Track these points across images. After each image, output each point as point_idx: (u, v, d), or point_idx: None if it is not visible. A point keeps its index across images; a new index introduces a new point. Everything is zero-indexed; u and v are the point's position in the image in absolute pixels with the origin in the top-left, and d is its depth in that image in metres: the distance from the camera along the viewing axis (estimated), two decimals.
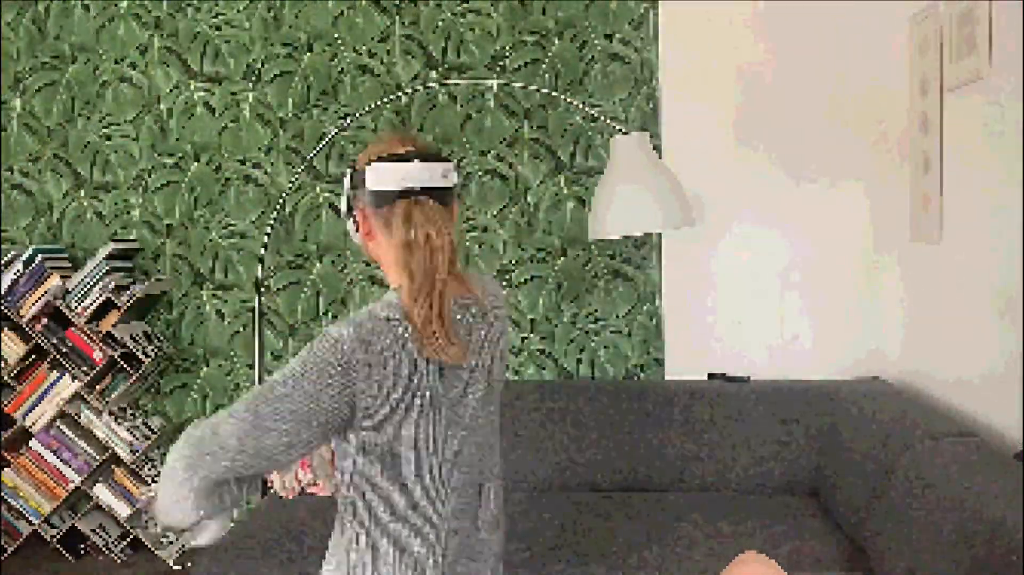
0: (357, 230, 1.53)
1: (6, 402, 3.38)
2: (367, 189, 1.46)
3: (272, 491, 3.08)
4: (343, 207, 1.55)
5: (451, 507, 1.46)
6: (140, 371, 3.36)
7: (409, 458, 1.41)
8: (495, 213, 3.41)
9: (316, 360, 1.34)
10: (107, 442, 3.38)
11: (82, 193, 3.57)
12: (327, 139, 3.02)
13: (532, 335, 3.43)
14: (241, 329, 3.55)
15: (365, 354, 1.34)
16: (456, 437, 1.46)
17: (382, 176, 1.45)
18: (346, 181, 1.53)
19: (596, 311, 3.39)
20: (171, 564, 3.42)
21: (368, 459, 1.41)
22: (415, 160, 1.45)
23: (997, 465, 1.97)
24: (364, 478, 1.43)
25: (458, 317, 1.47)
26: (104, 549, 3.45)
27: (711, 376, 3.22)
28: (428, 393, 1.40)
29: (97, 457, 3.41)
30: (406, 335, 1.38)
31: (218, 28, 3.47)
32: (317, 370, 1.33)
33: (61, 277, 3.35)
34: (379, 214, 1.46)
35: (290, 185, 3.06)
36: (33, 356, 3.44)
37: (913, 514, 2.03)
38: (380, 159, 1.47)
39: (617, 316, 3.38)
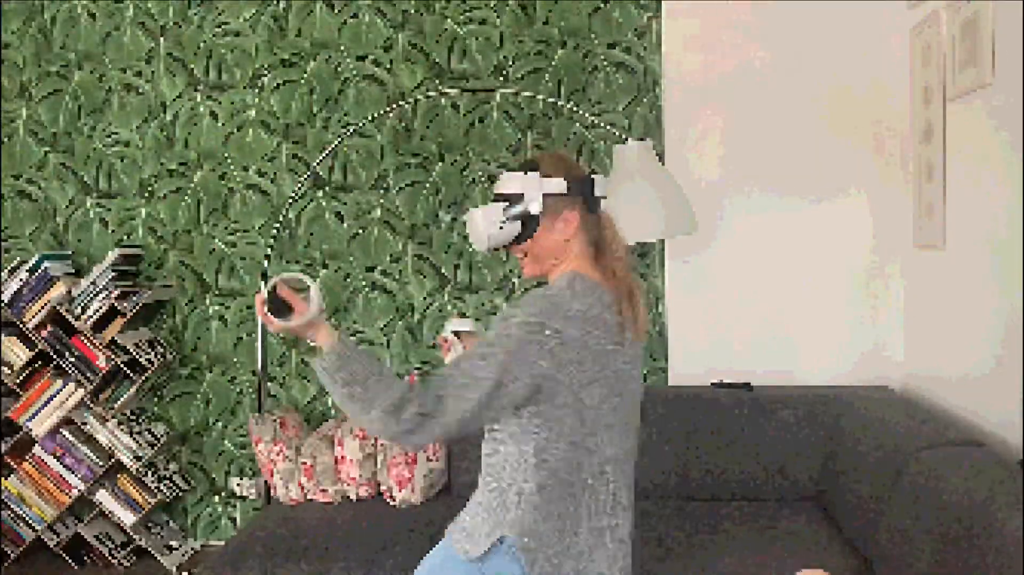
0: (523, 233, 1.72)
1: (10, 408, 3.39)
2: (592, 194, 1.74)
3: (276, 498, 3.08)
4: (534, 208, 1.71)
5: None
6: (144, 378, 3.37)
7: None
8: None
9: None
10: (111, 449, 3.39)
11: (87, 200, 3.59)
12: (331, 147, 3.03)
13: None
14: (245, 336, 3.56)
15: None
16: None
17: (601, 186, 1.75)
18: (550, 184, 1.71)
19: None
20: (174, 571, 3.42)
21: None
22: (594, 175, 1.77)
23: (1002, 473, 1.97)
24: None
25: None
26: (107, 556, 3.45)
27: (715, 384, 3.22)
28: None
29: (101, 464, 3.41)
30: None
31: (223, 37, 3.49)
32: None
33: (66, 284, 3.36)
34: (590, 219, 1.74)
35: (294, 193, 3.07)
36: (38, 363, 3.45)
37: (919, 522, 2.03)
38: (586, 174, 1.75)
39: None
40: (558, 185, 1.71)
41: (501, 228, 1.71)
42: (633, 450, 1.77)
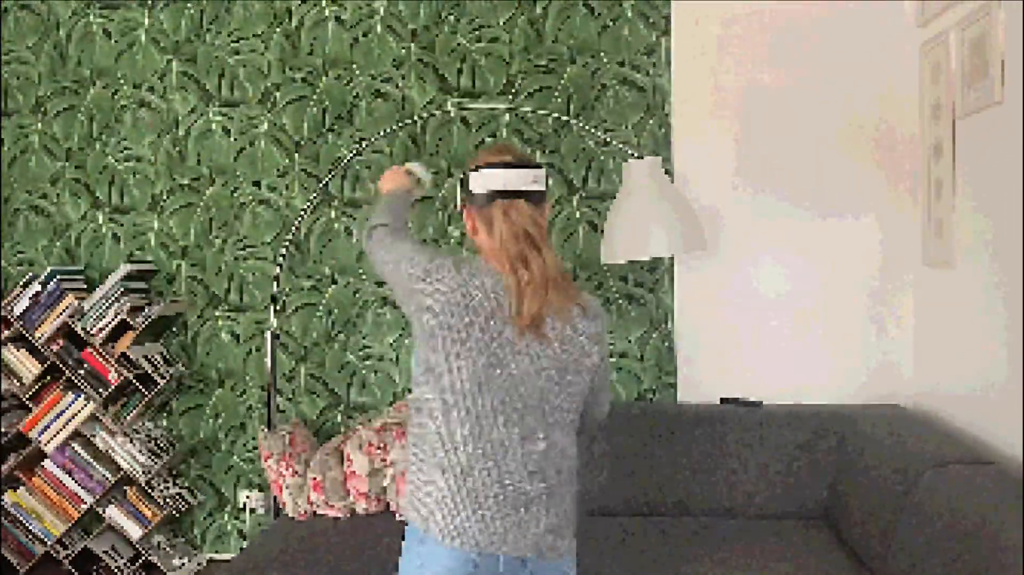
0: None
1: (21, 422, 3.40)
2: (471, 192, 1.81)
3: (284, 513, 3.08)
4: (458, 208, 1.87)
5: None
6: (154, 392, 3.38)
7: None
8: None
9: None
10: (120, 463, 3.40)
11: (99, 215, 3.61)
12: (342, 163, 3.05)
13: None
14: (254, 351, 3.57)
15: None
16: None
17: (483, 181, 1.79)
18: (459, 186, 1.88)
19: (609, 334, 3.40)
20: None
21: None
22: (510, 168, 1.79)
23: (1012, 492, 1.96)
24: None
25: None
26: (116, 570, 3.45)
27: (723, 400, 3.22)
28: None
29: (110, 478, 3.42)
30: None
31: (236, 53, 3.52)
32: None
33: (77, 298, 3.38)
34: (482, 213, 1.80)
35: (305, 208, 3.09)
36: (48, 377, 3.47)
37: (928, 541, 2.02)
38: (481, 167, 1.81)
39: (629, 340, 3.39)
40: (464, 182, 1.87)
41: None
42: (519, 439, 1.73)
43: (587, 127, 3.01)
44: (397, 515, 3.01)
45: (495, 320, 1.71)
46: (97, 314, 3.36)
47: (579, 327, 1.78)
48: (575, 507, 1.80)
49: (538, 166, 1.83)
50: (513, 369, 1.71)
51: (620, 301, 3.38)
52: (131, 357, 3.36)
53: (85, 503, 3.40)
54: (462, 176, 1.86)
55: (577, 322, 1.78)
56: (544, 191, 1.83)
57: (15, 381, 3.40)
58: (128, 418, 3.39)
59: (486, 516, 1.67)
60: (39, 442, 3.40)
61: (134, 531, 3.41)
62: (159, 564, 3.44)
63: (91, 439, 3.43)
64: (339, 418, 3.54)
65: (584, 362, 1.79)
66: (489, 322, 1.71)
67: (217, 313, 3.58)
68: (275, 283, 3.20)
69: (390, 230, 1.96)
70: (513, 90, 3.41)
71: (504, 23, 3.40)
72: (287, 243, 3.13)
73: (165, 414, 3.64)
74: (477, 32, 3.41)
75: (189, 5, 3.53)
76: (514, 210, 1.77)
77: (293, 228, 3.13)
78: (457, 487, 1.68)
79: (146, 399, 3.38)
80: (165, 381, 3.39)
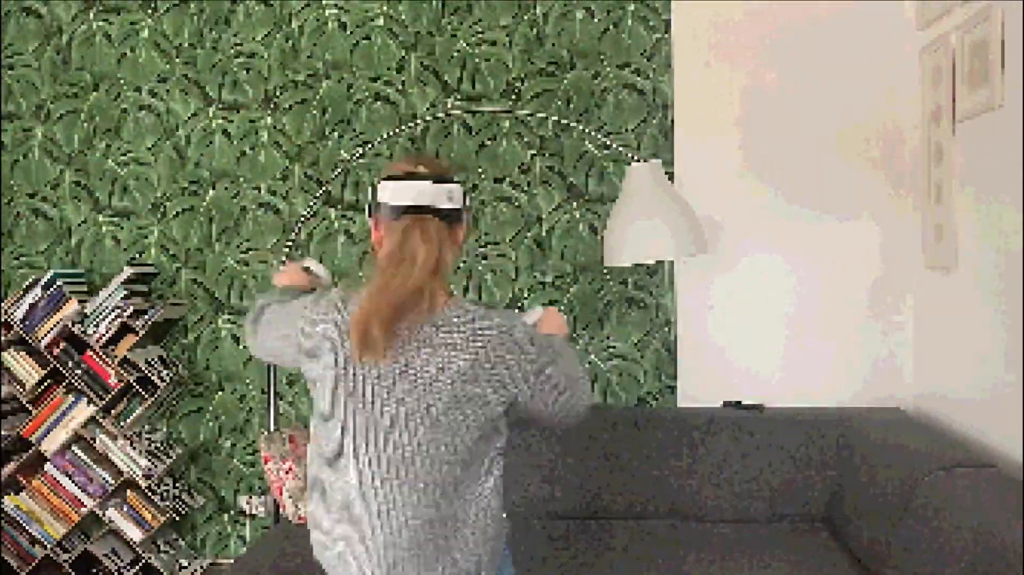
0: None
1: (22, 426, 3.41)
2: (379, 202, 1.66)
3: (284, 516, 3.08)
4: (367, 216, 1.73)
5: None
6: (155, 396, 3.38)
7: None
8: (509, 240, 3.43)
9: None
10: (121, 466, 3.40)
11: (101, 218, 3.62)
12: (343, 167, 3.05)
13: None
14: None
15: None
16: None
17: (393, 192, 1.64)
18: (370, 193, 1.71)
19: (609, 338, 3.40)
20: None
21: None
22: (422, 180, 1.64)
23: (1014, 495, 1.96)
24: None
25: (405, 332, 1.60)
26: (116, 574, 3.44)
27: (725, 404, 3.21)
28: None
29: (111, 481, 3.42)
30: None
31: (237, 57, 3.53)
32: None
33: (79, 301, 3.39)
34: (390, 226, 1.65)
35: (306, 212, 3.09)
36: (49, 380, 3.47)
37: (930, 545, 2.01)
38: (393, 177, 1.66)
39: (630, 343, 3.39)
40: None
41: None
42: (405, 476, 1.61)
43: (588, 131, 3.00)
44: None
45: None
46: (98, 317, 3.36)
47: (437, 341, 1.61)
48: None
49: (454, 182, 1.68)
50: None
51: (621, 304, 3.38)
52: (132, 360, 3.37)
53: (85, 506, 3.40)
54: (373, 184, 1.73)
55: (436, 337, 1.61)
56: (460, 210, 1.68)
57: (16, 384, 3.40)
58: (129, 421, 3.39)
59: None
60: (40, 446, 3.40)
61: (135, 534, 3.41)
62: (159, 567, 3.44)
63: (92, 442, 3.43)
64: None
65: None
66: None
67: (218, 316, 3.58)
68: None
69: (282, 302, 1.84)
70: (514, 94, 3.41)
71: (505, 27, 3.40)
72: (288, 246, 3.13)
73: (166, 417, 3.64)
74: (478, 36, 3.42)
75: (191, 9, 3.53)
76: (419, 228, 1.62)
77: (294, 232, 3.13)
78: None
79: (147, 402, 3.38)
80: (166, 384, 3.39)
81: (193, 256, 3.59)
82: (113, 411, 3.43)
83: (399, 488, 1.59)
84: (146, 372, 3.37)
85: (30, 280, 3.41)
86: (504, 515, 1.71)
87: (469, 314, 1.63)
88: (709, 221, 3.27)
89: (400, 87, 3.46)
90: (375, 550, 1.60)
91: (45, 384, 3.46)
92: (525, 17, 3.39)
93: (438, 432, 1.59)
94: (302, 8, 3.49)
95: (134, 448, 3.41)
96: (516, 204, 3.42)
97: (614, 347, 3.40)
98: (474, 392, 1.60)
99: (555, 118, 3.00)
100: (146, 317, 3.38)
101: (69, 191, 3.63)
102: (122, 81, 3.58)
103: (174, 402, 3.62)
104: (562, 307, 3.42)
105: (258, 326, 1.83)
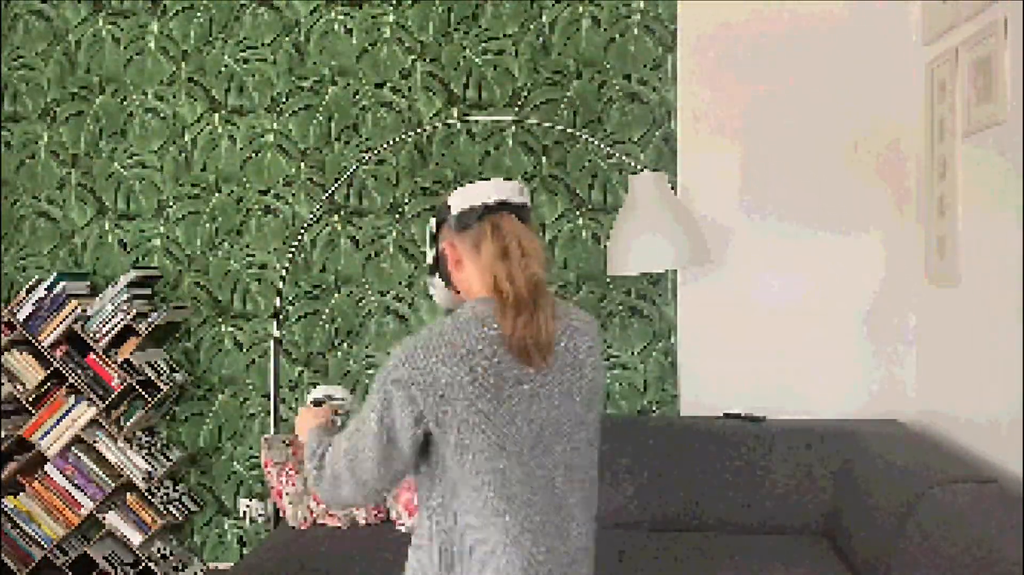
0: (436, 270, 1.63)
1: (23, 427, 3.41)
2: (452, 214, 1.57)
3: (284, 521, 3.08)
4: (428, 258, 1.64)
5: None
6: (157, 398, 3.38)
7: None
8: None
9: None
10: (121, 469, 3.40)
11: (105, 221, 3.63)
12: (348, 172, 3.06)
13: None
14: (257, 359, 3.57)
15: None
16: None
17: (465, 197, 1.57)
18: (430, 226, 1.63)
19: (611, 347, 3.40)
20: None
21: None
22: (492, 180, 1.60)
23: (1015, 511, 1.95)
24: None
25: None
26: None
27: (727, 415, 3.21)
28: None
29: (111, 484, 3.42)
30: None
31: (243, 62, 3.54)
32: None
33: (82, 304, 3.39)
34: (467, 235, 1.55)
35: (310, 217, 3.10)
36: (51, 382, 3.47)
37: (930, 560, 2.01)
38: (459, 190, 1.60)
39: (632, 352, 3.39)
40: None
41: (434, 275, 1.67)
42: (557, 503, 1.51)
43: (593, 140, 3.02)
44: (397, 525, 3.00)
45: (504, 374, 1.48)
46: (101, 320, 3.36)
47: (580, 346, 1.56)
48: None
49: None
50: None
51: (623, 314, 3.38)
52: (134, 363, 3.37)
53: (85, 508, 3.40)
54: (435, 216, 1.64)
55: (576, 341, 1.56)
56: (528, 206, 1.62)
57: (18, 385, 3.40)
58: (130, 424, 3.39)
59: None
60: (41, 447, 3.40)
61: (134, 537, 3.41)
62: (158, 571, 3.43)
63: (93, 444, 3.43)
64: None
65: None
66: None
67: (221, 320, 3.59)
68: (279, 291, 3.21)
69: (316, 454, 1.64)
70: (519, 102, 3.42)
71: (511, 36, 3.41)
72: (292, 251, 3.13)
73: (167, 420, 3.64)
74: (484, 44, 3.43)
75: (198, 13, 3.55)
76: (505, 223, 1.54)
77: (298, 237, 3.14)
78: None
79: (148, 405, 3.38)
80: (168, 387, 3.39)
81: (197, 260, 3.59)
82: (114, 413, 3.43)
83: None
84: (148, 375, 3.37)
85: (34, 281, 3.42)
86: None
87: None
88: (712, 232, 3.27)
89: (406, 94, 3.47)
90: None
91: (47, 385, 3.46)
92: (531, 26, 3.40)
93: None
94: (309, 14, 3.50)
95: (135, 451, 3.41)
96: None
97: (616, 356, 3.40)
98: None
99: (560, 127, 3.02)
100: (149, 320, 3.39)
101: (74, 193, 3.63)
102: (129, 84, 3.60)
103: (175, 405, 3.62)
104: None
105: (340, 482, 1.56)
